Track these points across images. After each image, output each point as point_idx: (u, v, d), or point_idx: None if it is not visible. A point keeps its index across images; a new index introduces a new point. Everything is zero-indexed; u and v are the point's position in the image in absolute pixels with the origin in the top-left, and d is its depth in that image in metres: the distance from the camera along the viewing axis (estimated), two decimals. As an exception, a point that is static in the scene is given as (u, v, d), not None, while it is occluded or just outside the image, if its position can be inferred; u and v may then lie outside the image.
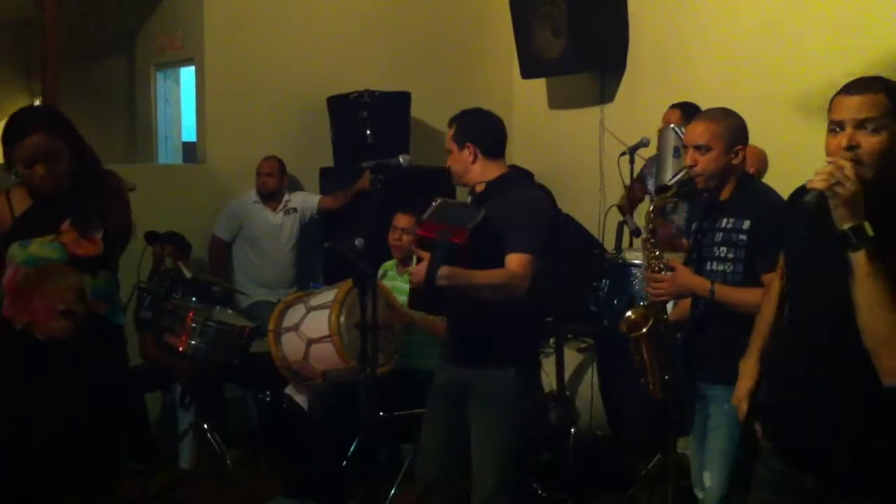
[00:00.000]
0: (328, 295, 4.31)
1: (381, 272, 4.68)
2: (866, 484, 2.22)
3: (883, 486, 2.20)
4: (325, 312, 4.21)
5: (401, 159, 3.82)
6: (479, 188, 3.32)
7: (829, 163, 2.12)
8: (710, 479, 3.17)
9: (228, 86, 6.05)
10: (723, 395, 3.00)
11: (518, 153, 6.71)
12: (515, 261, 3.13)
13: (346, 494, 4.38)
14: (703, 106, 3.90)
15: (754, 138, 3.26)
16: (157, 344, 4.69)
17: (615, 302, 4.24)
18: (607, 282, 4.30)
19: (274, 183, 5.84)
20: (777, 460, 2.40)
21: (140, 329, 4.49)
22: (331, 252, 5.02)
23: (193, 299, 4.70)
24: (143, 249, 4.65)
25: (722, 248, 3.12)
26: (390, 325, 4.32)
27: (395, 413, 4.29)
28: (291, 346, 4.29)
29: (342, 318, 4.17)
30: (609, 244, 5.04)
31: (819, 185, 2.10)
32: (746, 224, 3.06)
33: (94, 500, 3.27)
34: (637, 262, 4.15)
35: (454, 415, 3.32)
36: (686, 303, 3.33)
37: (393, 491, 4.37)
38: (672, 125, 4.54)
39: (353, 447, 4.39)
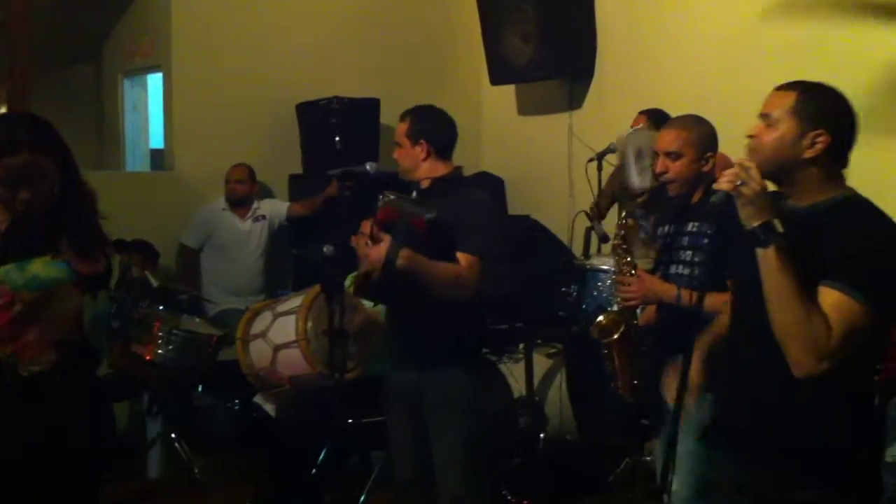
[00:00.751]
0: (295, 301, 4.31)
1: (347, 282, 4.66)
2: (793, 460, 2.23)
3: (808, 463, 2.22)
4: (292, 318, 4.20)
5: (368, 167, 3.84)
6: (425, 184, 3.34)
7: (736, 163, 2.20)
8: (676, 483, 3.18)
9: (197, 93, 6.02)
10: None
11: (488, 159, 6.73)
12: (463, 260, 3.14)
13: (316, 502, 4.37)
14: (671, 113, 3.93)
15: (721, 145, 3.27)
16: (124, 353, 4.65)
17: (584, 307, 4.26)
18: (575, 287, 4.32)
19: (243, 190, 5.82)
20: (723, 450, 2.45)
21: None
22: (301, 259, 5.01)
23: (161, 308, 4.69)
24: (110, 258, 4.62)
25: (688, 252, 3.14)
26: (363, 330, 4.30)
27: (364, 420, 4.27)
28: (259, 352, 4.28)
29: (309, 324, 4.16)
30: (578, 249, 5.06)
31: (724, 186, 2.18)
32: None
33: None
34: (604, 267, 4.17)
35: (414, 415, 3.31)
36: (652, 308, 3.34)
37: (363, 497, 4.36)
38: (633, 127, 4.55)
39: (322, 454, 4.38)
